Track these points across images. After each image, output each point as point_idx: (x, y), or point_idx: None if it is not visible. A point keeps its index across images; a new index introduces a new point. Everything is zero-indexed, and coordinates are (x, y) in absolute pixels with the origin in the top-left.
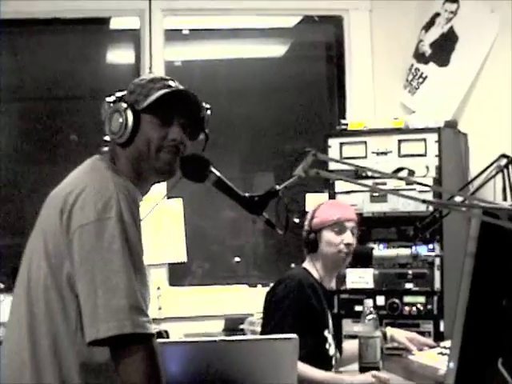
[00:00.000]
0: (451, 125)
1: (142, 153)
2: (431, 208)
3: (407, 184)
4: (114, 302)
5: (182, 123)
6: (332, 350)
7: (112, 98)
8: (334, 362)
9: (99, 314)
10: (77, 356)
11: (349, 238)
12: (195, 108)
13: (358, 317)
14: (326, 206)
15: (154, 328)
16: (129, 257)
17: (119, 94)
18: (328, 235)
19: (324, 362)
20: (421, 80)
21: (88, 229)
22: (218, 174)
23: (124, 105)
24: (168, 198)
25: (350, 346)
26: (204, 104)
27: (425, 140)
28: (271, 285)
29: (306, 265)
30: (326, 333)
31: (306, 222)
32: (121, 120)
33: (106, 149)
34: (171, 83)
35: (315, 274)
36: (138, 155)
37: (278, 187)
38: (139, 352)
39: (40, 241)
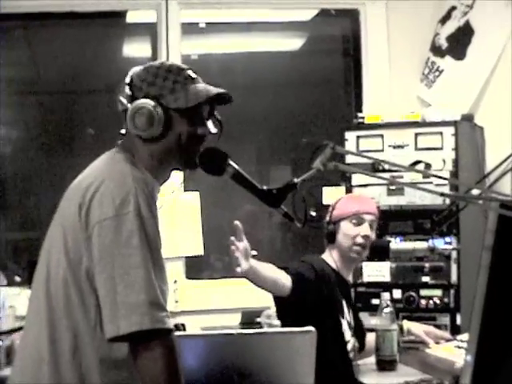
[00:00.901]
0: (468, 118)
1: (170, 149)
2: (448, 201)
3: (424, 177)
4: (133, 298)
5: (209, 117)
6: (348, 336)
7: (128, 91)
8: (349, 347)
9: (119, 310)
10: (96, 351)
11: (366, 230)
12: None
13: (374, 310)
14: (347, 198)
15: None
16: (147, 251)
17: (137, 85)
18: (346, 226)
19: (338, 342)
20: (437, 73)
21: (106, 224)
22: (236, 167)
23: (151, 102)
24: (185, 191)
25: (368, 339)
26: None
27: (441, 133)
28: None
29: (324, 255)
30: (340, 318)
31: (328, 214)
32: (150, 117)
33: (124, 141)
34: (191, 74)
35: (332, 265)
36: (165, 151)
37: (296, 180)
38: (158, 347)
39: (59, 235)
